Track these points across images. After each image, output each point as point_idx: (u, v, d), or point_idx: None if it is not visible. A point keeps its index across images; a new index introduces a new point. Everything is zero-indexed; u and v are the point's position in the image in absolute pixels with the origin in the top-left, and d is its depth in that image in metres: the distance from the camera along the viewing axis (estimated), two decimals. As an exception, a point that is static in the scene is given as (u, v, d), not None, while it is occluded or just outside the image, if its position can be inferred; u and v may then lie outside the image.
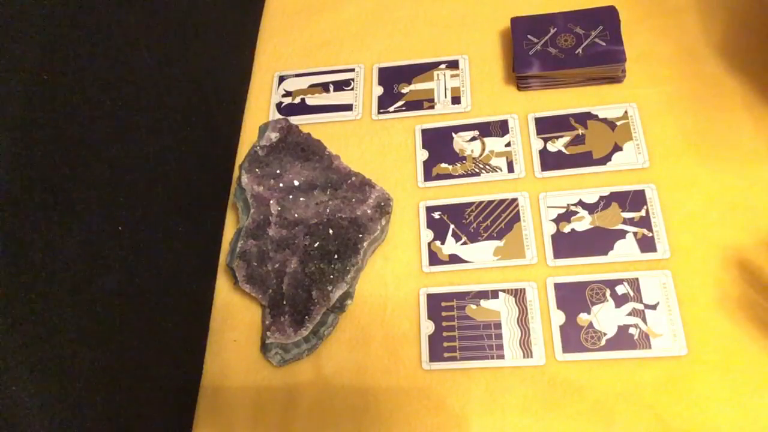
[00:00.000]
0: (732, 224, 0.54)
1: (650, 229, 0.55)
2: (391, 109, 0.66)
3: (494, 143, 0.62)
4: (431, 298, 0.56)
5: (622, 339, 0.51)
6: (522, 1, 0.68)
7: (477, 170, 0.61)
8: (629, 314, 0.52)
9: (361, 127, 0.66)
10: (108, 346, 0.45)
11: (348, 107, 0.67)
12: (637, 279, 0.53)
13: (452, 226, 0.58)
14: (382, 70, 0.69)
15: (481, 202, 0.59)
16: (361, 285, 0.58)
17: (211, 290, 0.60)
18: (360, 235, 0.56)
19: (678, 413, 0.48)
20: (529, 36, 0.62)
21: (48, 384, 0.39)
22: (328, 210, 0.58)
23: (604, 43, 0.60)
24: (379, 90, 0.67)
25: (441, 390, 0.53)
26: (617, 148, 0.59)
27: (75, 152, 0.43)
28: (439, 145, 0.63)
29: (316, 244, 0.56)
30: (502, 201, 0.59)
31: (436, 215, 0.59)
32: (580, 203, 0.57)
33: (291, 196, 0.59)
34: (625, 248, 0.54)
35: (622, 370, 0.51)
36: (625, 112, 0.60)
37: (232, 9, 0.69)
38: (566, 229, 0.56)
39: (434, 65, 0.67)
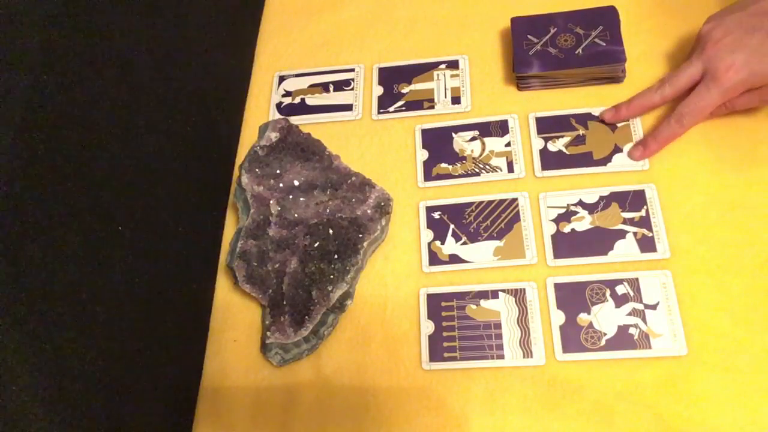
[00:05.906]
0: (732, 224, 0.54)
1: (650, 229, 0.55)
2: (391, 109, 0.66)
3: (494, 143, 0.62)
4: (431, 298, 0.56)
5: (622, 339, 0.51)
6: (522, 1, 0.68)
7: (477, 170, 0.61)
8: (629, 314, 0.52)
9: (361, 127, 0.66)
10: (108, 346, 0.45)
11: (348, 107, 0.67)
12: (637, 279, 0.53)
13: (452, 226, 0.58)
14: (382, 70, 0.69)
15: (481, 202, 0.59)
16: (361, 285, 0.58)
17: (211, 290, 0.60)
18: (360, 235, 0.56)
19: (678, 413, 0.48)
20: (529, 36, 0.62)
21: (48, 384, 0.39)
22: (328, 210, 0.58)
23: (604, 43, 0.60)
24: (379, 90, 0.67)
25: (441, 390, 0.53)
26: (617, 149, 0.59)
27: (75, 152, 0.43)
28: (439, 145, 0.63)
29: (316, 244, 0.56)
30: (502, 201, 0.59)
31: (436, 215, 0.59)
32: (580, 203, 0.57)
33: (291, 196, 0.59)
34: (625, 248, 0.54)
35: (622, 370, 0.51)
36: (625, 112, 0.60)
37: (232, 9, 0.69)
38: (566, 229, 0.56)
39: (434, 65, 0.67)
